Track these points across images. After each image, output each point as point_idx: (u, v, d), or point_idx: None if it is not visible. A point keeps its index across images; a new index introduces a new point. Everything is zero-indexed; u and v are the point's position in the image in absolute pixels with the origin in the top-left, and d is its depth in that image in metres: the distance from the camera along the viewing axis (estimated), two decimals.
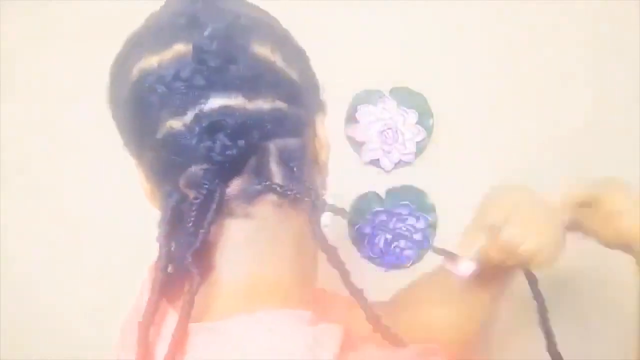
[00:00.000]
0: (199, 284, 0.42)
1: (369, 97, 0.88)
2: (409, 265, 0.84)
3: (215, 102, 0.42)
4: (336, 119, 0.88)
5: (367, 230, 0.85)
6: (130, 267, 0.93)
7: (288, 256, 0.47)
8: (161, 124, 0.42)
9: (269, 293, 0.45)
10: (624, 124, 0.89)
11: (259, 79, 0.43)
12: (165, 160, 0.44)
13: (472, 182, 0.87)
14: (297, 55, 0.48)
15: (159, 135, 0.43)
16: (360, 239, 0.85)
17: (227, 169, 0.43)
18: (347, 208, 0.87)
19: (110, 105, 0.48)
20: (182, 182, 0.44)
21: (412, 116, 0.88)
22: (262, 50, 0.44)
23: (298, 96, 0.46)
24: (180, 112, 0.42)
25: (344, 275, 0.46)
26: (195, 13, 0.43)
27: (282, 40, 0.47)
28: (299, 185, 0.45)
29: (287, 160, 0.45)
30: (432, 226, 0.86)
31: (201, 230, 0.43)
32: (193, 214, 0.43)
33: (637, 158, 0.88)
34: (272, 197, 0.44)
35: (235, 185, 0.43)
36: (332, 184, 0.90)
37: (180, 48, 0.42)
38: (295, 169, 0.45)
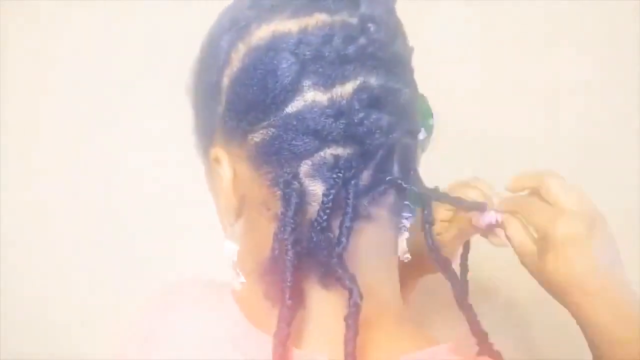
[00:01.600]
0: (359, 296, 0.36)
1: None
2: None
3: (374, 79, 0.38)
4: None
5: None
6: (129, 270, 0.95)
7: (395, 266, 0.44)
8: (298, 96, 0.38)
9: (387, 317, 0.42)
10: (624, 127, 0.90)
11: (408, 65, 0.42)
12: (291, 139, 0.38)
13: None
14: (406, 37, 0.45)
15: (291, 109, 0.38)
16: None
17: (366, 157, 0.39)
18: None
19: (200, 76, 0.43)
20: (304, 168, 0.39)
21: None
22: (405, 35, 0.42)
23: (417, 92, 0.44)
24: (327, 83, 0.38)
25: (456, 287, 0.44)
26: None
27: (405, 36, 0.44)
28: (417, 187, 0.42)
29: (407, 160, 0.42)
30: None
31: (345, 227, 0.38)
32: (326, 209, 0.38)
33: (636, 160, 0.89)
34: (389, 200, 0.41)
35: (363, 180, 0.39)
36: None
37: (325, 18, 0.38)
38: (412, 171, 0.42)
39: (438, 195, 0.45)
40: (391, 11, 0.41)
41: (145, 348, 0.44)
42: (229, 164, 0.42)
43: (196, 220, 0.92)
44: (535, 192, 0.49)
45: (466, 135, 0.90)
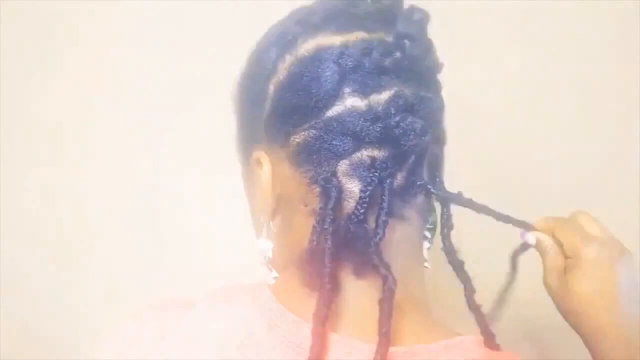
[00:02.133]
0: (393, 282, 0.40)
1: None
2: None
3: (407, 89, 0.43)
4: None
5: None
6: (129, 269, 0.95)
7: (422, 265, 0.48)
8: (339, 101, 0.42)
9: (416, 307, 0.45)
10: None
11: (437, 79, 0.46)
12: (331, 140, 0.42)
13: (473, 182, 0.88)
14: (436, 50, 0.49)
15: (332, 113, 0.42)
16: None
17: (400, 159, 0.42)
18: None
19: (246, 84, 0.48)
20: (342, 168, 0.42)
21: None
22: (435, 50, 0.46)
23: (444, 104, 0.48)
24: (366, 91, 0.42)
25: (468, 289, 0.46)
26: (388, 5, 0.45)
27: (433, 47, 0.47)
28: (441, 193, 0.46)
29: (434, 168, 0.46)
30: (433, 227, 0.86)
31: (382, 220, 0.41)
32: (363, 204, 0.41)
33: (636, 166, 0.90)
34: (418, 203, 0.45)
35: (398, 181, 0.43)
36: None
37: (364, 35, 0.43)
38: (437, 179, 0.46)
39: (462, 201, 0.48)
40: (424, 30, 0.45)
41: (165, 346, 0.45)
42: (270, 165, 0.46)
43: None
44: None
45: (467, 136, 0.90)
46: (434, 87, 0.46)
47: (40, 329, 0.94)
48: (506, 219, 0.51)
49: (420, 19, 0.45)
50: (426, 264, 0.49)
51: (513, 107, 0.92)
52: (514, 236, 0.56)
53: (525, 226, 0.54)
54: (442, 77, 0.48)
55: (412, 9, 0.45)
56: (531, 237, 0.53)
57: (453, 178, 0.50)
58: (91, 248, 0.93)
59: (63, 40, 0.93)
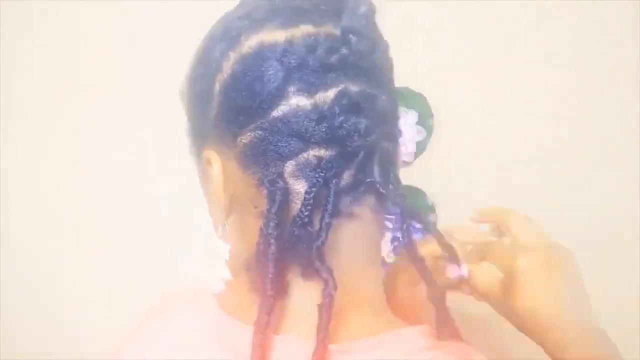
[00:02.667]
0: (333, 287, 0.40)
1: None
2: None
3: (354, 86, 0.42)
4: None
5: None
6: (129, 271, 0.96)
7: (377, 262, 0.48)
8: (284, 101, 0.41)
9: (365, 304, 0.45)
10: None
11: (388, 74, 0.45)
12: (277, 141, 0.42)
13: (472, 182, 0.88)
14: (387, 45, 0.48)
15: (277, 113, 0.41)
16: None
17: (347, 158, 0.42)
18: None
19: (194, 82, 0.47)
20: (289, 169, 0.42)
21: (412, 116, 0.87)
22: (383, 52, 0.45)
23: (395, 93, 0.48)
24: (311, 90, 0.41)
25: (430, 284, 0.46)
26: (333, 3, 0.44)
27: (385, 45, 0.47)
28: (394, 190, 0.45)
29: (387, 164, 0.45)
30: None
31: (325, 222, 0.41)
32: (307, 206, 0.41)
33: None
34: (371, 199, 0.44)
35: (345, 180, 0.42)
36: None
37: (309, 29, 0.42)
38: (391, 174, 0.45)
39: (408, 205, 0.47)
40: (372, 23, 0.45)
41: (138, 349, 0.49)
42: (220, 165, 0.45)
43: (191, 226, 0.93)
44: (496, 228, 0.51)
45: (467, 136, 0.90)
46: (383, 83, 0.45)
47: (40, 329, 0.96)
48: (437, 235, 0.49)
49: (365, 12, 0.44)
50: (391, 255, 0.50)
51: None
52: None
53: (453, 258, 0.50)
54: (399, 73, 0.48)
55: (358, 1, 0.44)
56: (465, 270, 0.49)
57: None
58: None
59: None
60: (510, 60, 0.91)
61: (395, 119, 0.47)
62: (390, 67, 0.47)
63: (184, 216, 0.94)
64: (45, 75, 0.96)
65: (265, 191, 0.42)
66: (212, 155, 0.46)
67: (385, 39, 0.47)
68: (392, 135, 0.47)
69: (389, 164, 0.45)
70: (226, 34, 0.44)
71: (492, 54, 0.92)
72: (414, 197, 0.89)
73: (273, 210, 0.41)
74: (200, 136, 0.47)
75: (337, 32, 0.42)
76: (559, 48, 0.91)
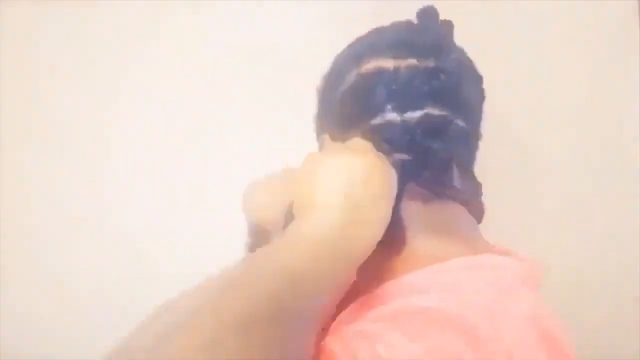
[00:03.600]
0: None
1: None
2: None
3: (432, 110, 0.52)
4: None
5: None
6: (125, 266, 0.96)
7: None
8: (381, 114, 0.52)
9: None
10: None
11: (465, 104, 0.55)
12: (373, 144, 0.51)
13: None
14: (478, 77, 0.59)
15: (375, 122, 0.52)
16: None
17: (422, 163, 0.52)
18: None
19: (325, 85, 0.59)
20: None
21: None
22: (471, 85, 0.57)
23: (479, 114, 0.58)
24: (402, 109, 0.52)
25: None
26: (438, 41, 0.56)
27: (477, 78, 0.59)
28: (472, 190, 0.55)
29: (465, 166, 0.55)
30: None
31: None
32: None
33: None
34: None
35: (425, 178, 0.52)
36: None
37: (413, 62, 0.53)
38: (469, 173, 0.55)
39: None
40: (463, 63, 0.57)
41: None
42: None
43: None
44: None
45: None
46: (466, 112, 0.55)
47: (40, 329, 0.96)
48: None
49: (456, 57, 0.56)
50: None
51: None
52: None
53: None
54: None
55: (451, 48, 0.57)
56: None
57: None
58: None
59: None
60: (512, 58, 0.91)
61: (473, 142, 0.57)
62: (477, 98, 0.58)
63: (185, 215, 0.94)
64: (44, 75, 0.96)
65: None
66: (326, 139, 0.56)
67: (477, 73, 0.59)
68: (472, 144, 0.57)
69: (467, 166, 0.56)
70: (353, 55, 0.57)
71: (491, 50, 0.91)
72: None
73: None
74: (321, 125, 0.60)
75: (433, 67, 0.53)
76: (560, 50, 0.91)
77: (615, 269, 0.89)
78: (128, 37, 0.94)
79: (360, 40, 0.59)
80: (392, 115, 0.52)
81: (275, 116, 0.92)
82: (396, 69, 0.53)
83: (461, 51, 0.58)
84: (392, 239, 0.50)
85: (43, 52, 0.95)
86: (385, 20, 0.60)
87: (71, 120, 0.94)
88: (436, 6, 0.59)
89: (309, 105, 0.61)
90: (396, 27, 0.59)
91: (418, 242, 0.51)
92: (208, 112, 0.93)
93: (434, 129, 0.52)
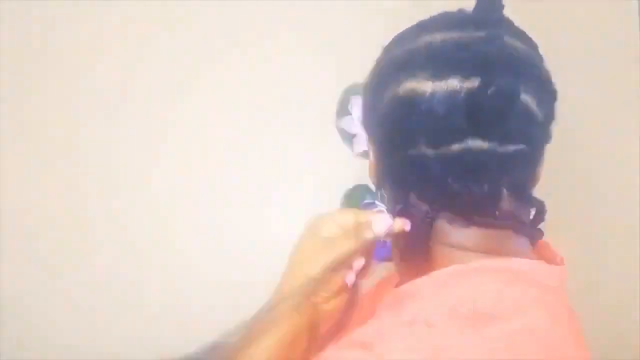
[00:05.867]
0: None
1: (361, 89, 0.87)
2: None
3: (472, 143, 0.44)
4: (328, 111, 0.90)
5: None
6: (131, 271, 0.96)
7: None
8: (412, 146, 0.46)
9: None
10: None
11: (515, 127, 0.45)
12: (406, 173, 0.48)
13: None
14: (549, 95, 0.49)
15: (409, 152, 0.46)
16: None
17: (458, 203, 0.46)
18: (338, 200, 0.89)
19: (366, 94, 0.52)
20: (413, 195, 0.48)
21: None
22: (527, 99, 0.45)
23: (540, 137, 0.48)
24: (436, 143, 0.45)
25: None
26: (485, 54, 0.44)
27: (543, 83, 0.48)
28: (525, 210, 0.49)
29: (518, 191, 0.47)
30: None
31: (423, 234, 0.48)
32: (417, 222, 0.48)
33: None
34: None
35: (459, 211, 0.47)
36: (323, 176, 0.90)
37: (455, 83, 0.44)
38: (522, 197, 0.48)
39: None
40: (528, 79, 0.46)
41: None
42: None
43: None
44: None
45: None
46: (522, 137, 0.46)
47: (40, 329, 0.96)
48: None
49: (503, 80, 0.44)
50: None
51: None
52: None
53: None
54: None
55: (513, 59, 0.46)
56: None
57: None
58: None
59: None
60: None
61: (532, 163, 0.49)
62: (544, 117, 0.47)
63: (184, 217, 0.94)
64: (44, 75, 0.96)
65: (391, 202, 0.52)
66: (370, 142, 0.53)
67: (550, 89, 0.49)
68: (527, 166, 0.48)
69: (522, 189, 0.48)
70: (392, 67, 0.49)
71: None
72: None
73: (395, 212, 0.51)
74: (366, 129, 0.54)
75: (478, 89, 0.43)
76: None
77: (616, 268, 0.89)
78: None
79: (400, 41, 0.50)
80: (424, 149, 0.45)
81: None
82: (432, 95, 0.44)
83: (523, 55, 0.47)
84: (417, 256, 0.49)
85: (46, 52, 0.95)
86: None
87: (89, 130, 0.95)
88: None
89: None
90: (442, 23, 0.49)
91: (440, 256, 0.48)
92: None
93: (473, 164, 0.45)
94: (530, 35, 0.62)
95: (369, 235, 0.50)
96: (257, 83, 0.93)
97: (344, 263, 0.52)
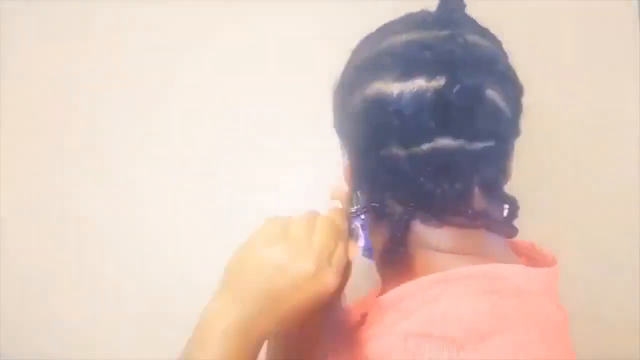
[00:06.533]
0: None
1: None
2: None
3: (441, 142, 0.45)
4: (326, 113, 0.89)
5: (358, 222, 0.84)
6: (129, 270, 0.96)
7: None
8: (383, 147, 0.46)
9: None
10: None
11: (483, 124, 0.46)
12: (379, 174, 0.48)
13: None
14: (515, 90, 0.49)
15: (381, 153, 0.47)
16: (351, 232, 0.84)
17: (431, 202, 0.46)
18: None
19: (335, 95, 0.53)
20: (388, 196, 0.48)
21: None
22: (493, 95, 0.46)
23: (508, 132, 0.49)
24: (406, 143, 0.45)
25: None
26: (449, 53, 0.45)
27: (507, 79, 0.48)
28: (498, 208, 0.49)
29: (488, 188, 0.48)
30: None
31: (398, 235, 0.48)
32: (393, 223, 0.48)
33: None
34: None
35: (432, 211, 0.47)
36: (323, 178, 0.90)
37: (421, 83, 0.44)
38: (494, 194, 0.48)
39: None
40: (491, 75, 0.46)
41: None
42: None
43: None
44: None
45: None
46: (491, 134, 0.46)
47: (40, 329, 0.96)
48: None
49: (470, 81, 0.44)
50: None
51: None
52: None
53: None
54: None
55: (473, 56, 0.46)
56: None
57: None
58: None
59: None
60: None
61: (503, 159, 0.49)
62: (511, 113, 0.48)
63: (181, 218, 0.94)
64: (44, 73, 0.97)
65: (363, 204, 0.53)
66: (345, 158, 0.54)
67: (516, 85, 0.49)
68: (496, 162, 0.48)
69: (492, 187, 0.48)
70: (358, 70, 0.50)
71: None
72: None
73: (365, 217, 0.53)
74: (338, 133, 0.54)
75: (444, 88, 0.44)
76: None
77: (616, 269, 0.89)
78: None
79: (367, 43, 0.51)
80: (397, 149, 0.46)
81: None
82: (399, 96, 0.45)
83: (487, 52, 0.48)
84: (396, 259, 0.49)
85: (51, 50, 0.95)
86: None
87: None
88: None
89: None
90: (406, 24, 0.50)
91: (419, 259, 0.48)
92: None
93: (444, 162, 0.45)
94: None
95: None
96: (253, 82, 0.93)
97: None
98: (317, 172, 0.88)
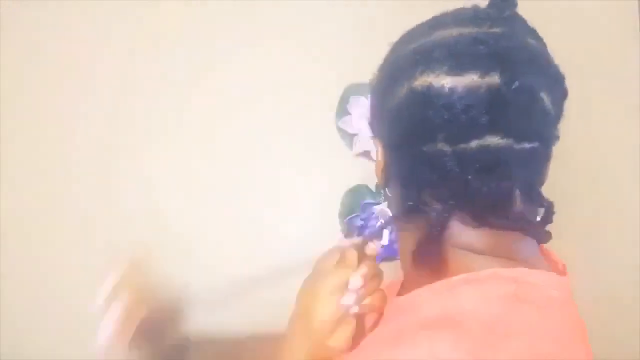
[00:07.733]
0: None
1: (360, 89, 0.89)
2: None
3: (490, 140, 0.43)
4: (328, 111, 0.90)
5: (358, 222, 0.85)
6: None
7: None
8: (428, 142, 0.45)
9: None
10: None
11: (533, 126, 0.45)
12: (419, 171, 0.46)
13: None
14: (561, 93, 0.48)
15: (424, 148, 0.45)
16: (351, 231, 0.85)
17: (475, 201, 0.45)
18: (338, 200, 0.89)
19: (376, 87, 0.51)
20: (426, 193, 0.47)
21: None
22: (545, 98, 0.45)
23: (552, 135, 0.48)
24: (454, 140, 0.44)
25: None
26: (504, 50, 0.44)
27: (556, 81, 0.47)
28: (534, 211, 0.47)
29: (529, 190, 0.47)
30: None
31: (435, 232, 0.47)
32: (431, 221, 0.47)
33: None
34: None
35: (473, 212, 0.46)
36: (323, 177, 0.90)
37: (474, 79, 0.43)
38: (534, 197, 0.47)
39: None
40: (540, 70, 0.45)
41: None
42: (381, 150, 0.52)
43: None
44: None
45: None
46: (536, 133, 0.45)
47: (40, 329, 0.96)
48: None
49: (530, 68, 0.44)
50: None
51: None
52: None
53: None
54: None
55: (526, 54, 0.45)
56: None
57: None
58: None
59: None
60: None
61: (543, 161, 0.48)
62: (554, 109, 0.47)
63: (184, 215, 0.94)
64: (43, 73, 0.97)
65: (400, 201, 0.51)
66: (378, 141, 0.52)
67: (558, 77, 0.48)
68: (538, 164, 0.48)
69: (533, 188, 0.47)
70: (406, 61, 0.47)
71: None
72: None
73: (403, 211, 0.50)
74: (374, 127, 0.53)
75: (497, 85, 0.43)
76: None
77: (616, 269, 0.88)
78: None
79: (412, 36, 0.49)
80: (443, 146, 0.44)
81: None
82: (452, 90, 0.43)
83: (538, 53, 0.46)
84: (428, 259, 0.48)
85: (51, 50, 0.95)
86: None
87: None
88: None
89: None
90: (457, 18, 0.48)
91: (452, 259, 0.47)
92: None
93: (491, 161, 0.44)
94: None
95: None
96: (257, 85, 0.93)
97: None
98: (329, 174, 0.89)
